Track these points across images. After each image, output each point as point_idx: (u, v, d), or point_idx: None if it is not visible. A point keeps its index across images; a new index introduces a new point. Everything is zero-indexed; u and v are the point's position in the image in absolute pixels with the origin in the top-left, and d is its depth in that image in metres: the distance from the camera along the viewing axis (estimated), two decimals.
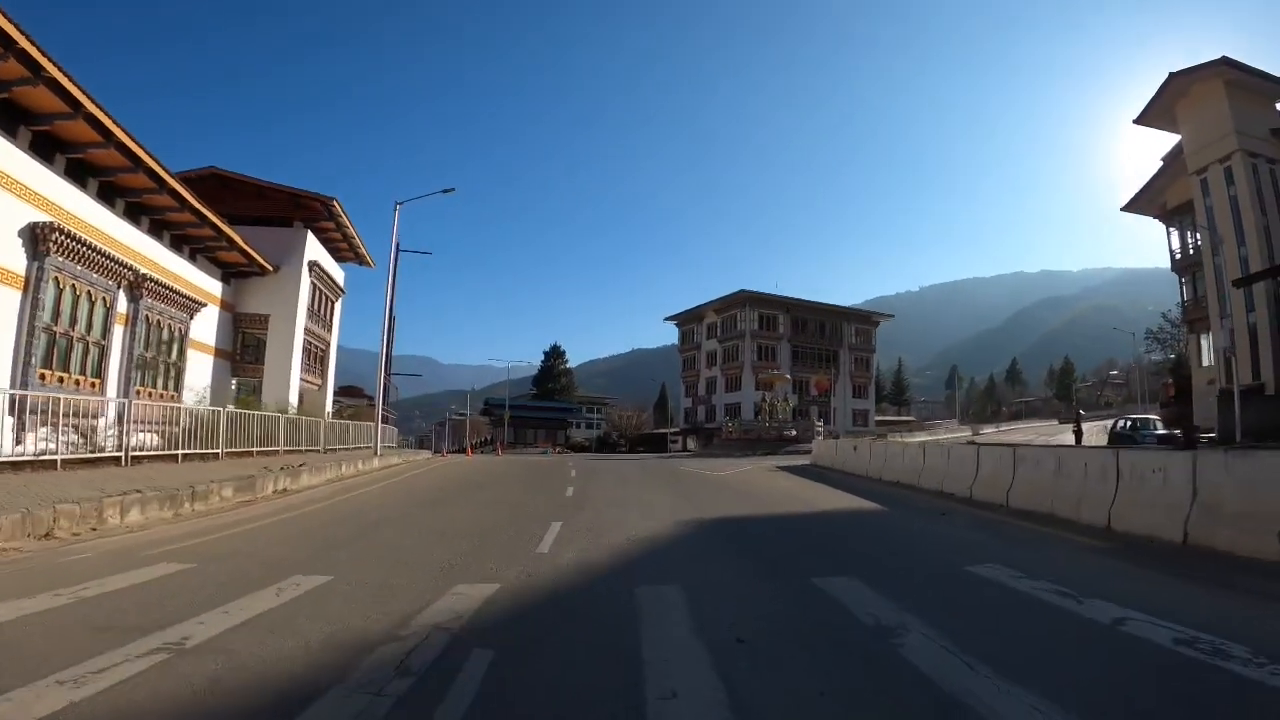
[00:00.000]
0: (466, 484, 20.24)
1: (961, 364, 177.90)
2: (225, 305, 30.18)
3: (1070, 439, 46.28)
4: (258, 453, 21.19)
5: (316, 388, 36.90)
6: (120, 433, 16.21)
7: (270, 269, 30.73)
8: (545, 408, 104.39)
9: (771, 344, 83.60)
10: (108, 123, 18.60)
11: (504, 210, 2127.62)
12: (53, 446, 14.39)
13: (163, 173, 21.55)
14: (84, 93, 17.44)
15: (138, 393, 22.47)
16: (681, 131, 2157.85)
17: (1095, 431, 53.49)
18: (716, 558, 8.82)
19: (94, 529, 9.43)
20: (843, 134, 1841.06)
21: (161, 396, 23.67)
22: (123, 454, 15.67)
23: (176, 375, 25.28)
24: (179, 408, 19.36)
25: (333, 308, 38.34)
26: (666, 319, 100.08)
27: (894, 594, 6.40)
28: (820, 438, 49.81)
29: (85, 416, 16.37)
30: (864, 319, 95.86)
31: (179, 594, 6.10)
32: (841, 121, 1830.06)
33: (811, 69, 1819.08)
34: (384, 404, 50.00)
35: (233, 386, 31.37)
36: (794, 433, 55.56)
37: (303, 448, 24.46)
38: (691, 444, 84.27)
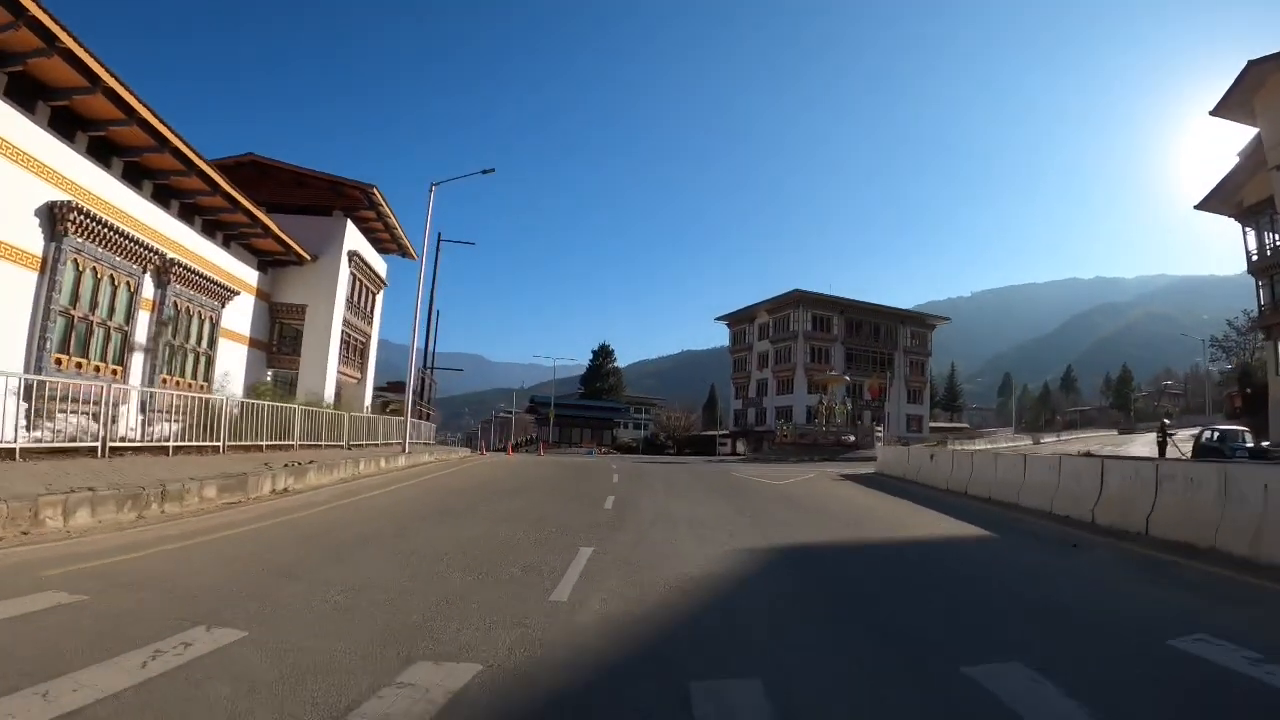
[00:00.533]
0: (492, 489, 18.69)
1: (1013, 371, 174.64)
2: (261, 294, 29.39)
3: (1138, 449, 44.50)
4: (268, 447, 19.73)
5: (355, 381, 36.12)
6: (105, 421, 14.81)
7: (308, 258, 29.85)
8: (592, 407, 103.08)
9: (825, 346, 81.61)
10: (128, 97, 17.51)
11: (557, 212, 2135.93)
12: (37, 435, 13.38)
13: (190, 153, 20.50)
14: (101, 64, 16.36)
15: (164, 381, 21.75)
16: (738, 136, 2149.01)
17: (1148, 443, 51.50)
18: (807, 620, 6.40)
19: (24, 533, 8.04)
20: (895, 138, 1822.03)
21: (190, 386, 22.87)
22: (99, 445, 14.29)
23: (207, 364, 24.43)
24: (191, 397, 18.47)
25: (374, 300, 37.46)
26: (718, 319, 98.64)
27: (1104, 703, 4.25)
28: (882, 444, 48.13)
29: (88, 403, 15.60)
30: (919, 321, 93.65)
31: (13, 652, 4.42)
32: (895, 125, 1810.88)
33: (869, 73, 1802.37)
34: (424, 400, 49.53)
35: (268, 377, 30.63)
36: (852, 438, 52.87)
37: (323, 443, 23.21)
38: (741, 447, 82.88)
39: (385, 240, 37.85)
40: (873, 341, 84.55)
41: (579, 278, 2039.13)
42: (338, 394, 33.09)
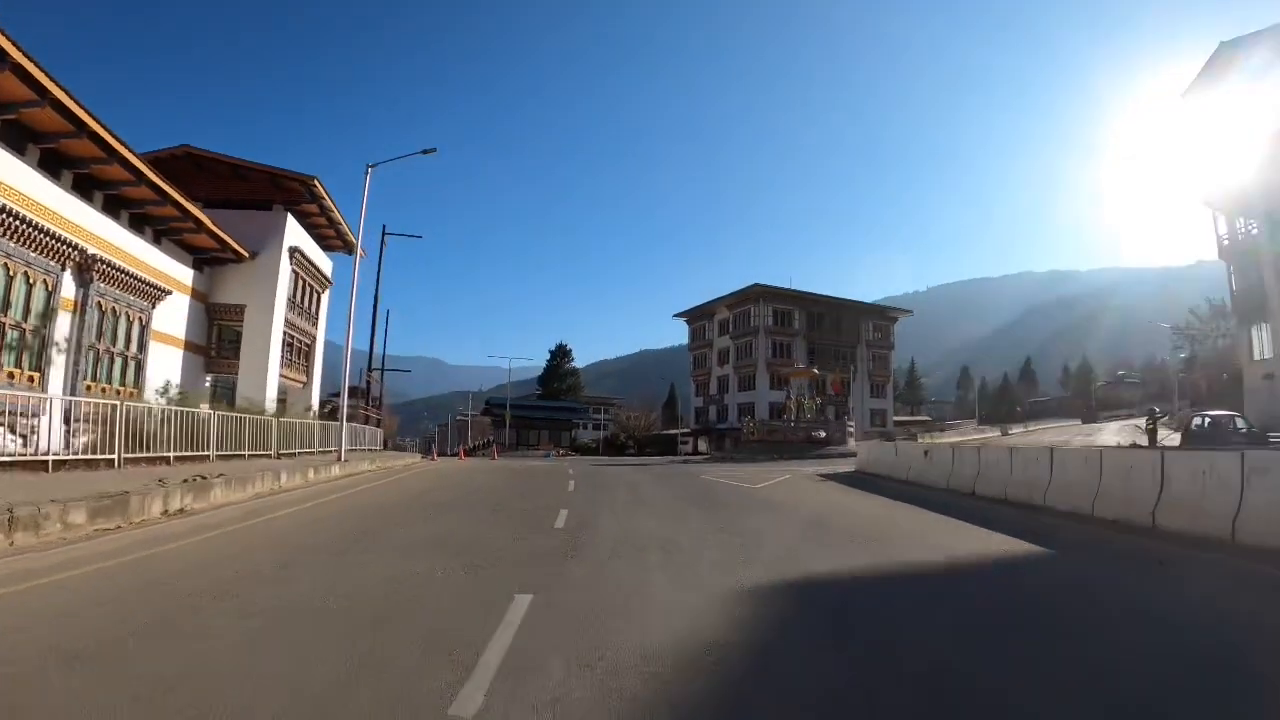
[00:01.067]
0: (426, 502, 16.03)
1: (970, 365, 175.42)
2: (197, 295, 27.80)
3: (1108, 439, 44.09)
4: (177, 459, 16.96)
5: (301, 385, 34.55)
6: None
7: (246, 255, 28.29)
8: (549, 407, 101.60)
9: (787, 340, 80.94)
10: (38, 75, 15.93)
11: (512, 211, 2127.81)
12: None
13: (111, 139, 18.94)
14: (9, 40, 15.02)
15: (88, 388, 20.20)
16: (690, 134, 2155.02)
17: (1127, 431, 51.15)
18: None
19: None
20: (850, 134, 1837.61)
21: (119, 393, 21.33)
22: None
23: (137, 369, 22.90)
24: (93, 403, 16.23)
25: (319, 299, 35.85)
26: (676, 315, 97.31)
27: None
28: (855, 439, 47.02)
29: (22, 415, 14.17)
30: (881, 314, 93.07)
31: None
32: (845, 124, 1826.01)
33: (817, 70, 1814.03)
34: (371, 403, 47.90)
35: (207, 383, 29.10)
36: (823, 434, 50.94)
37: (246, 452, 20.72)
38: (703, 445, 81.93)
39: (330, 237, 36.32)
40: (835, 335, 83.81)
41: (535, 278, 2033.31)
42: (282, 399, 31.57)
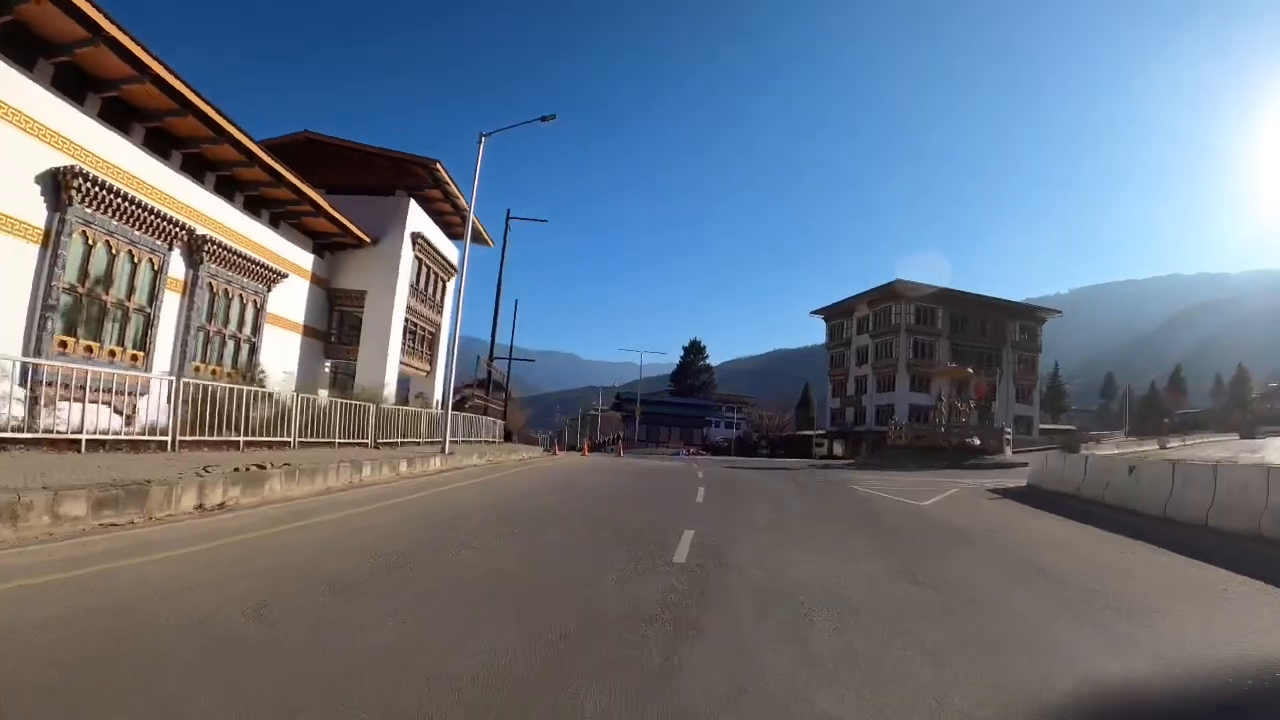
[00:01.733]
0: (513, 511, 12.31)
1: (1114, 371, 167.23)
2: (317, 279, 27.63)
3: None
4: (249, 444, 15.68)
5: (424, 374, 34.25)
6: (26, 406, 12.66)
7: (367, 240, 27.97)
8: (680, 404, 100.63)
9: (929, 340, 76.97)
10: (137, 51, 15.53)
11: (650, 212, 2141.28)
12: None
13: (219, 118, 18.51)
14: (97, 8, 14.61)
15: (196, 369, 19.98)
16: (823, 125, 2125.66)
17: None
18: None
19: None
20: (990, 127, 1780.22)
21: (229, 376, 21.12)
22: None
23: (250, 351, 22.64)
24: (145, 377, 15.84)
25: (444, 287, 35.44)
26: (813, 313, 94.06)
27: None
28: (1012, 448, 43.74)
29: (104, 390, 13.73)
30: (1028, 315, 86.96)
31: None
32: (991, 114, 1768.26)
33: (967, 55, 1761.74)
34: (490, 393, 47.65)
35: (326, 369, 28.96)
36: (977, 441, 45.64)
37: (337, 439, 19.42)
38: (838, 448, 79.47)
39: (455, 224, 35.92)
40: (979, 336, 79.14)
41: (671, 274, 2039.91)
42: (405, 387, 31.33)
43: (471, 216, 25.08)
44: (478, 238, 39.44)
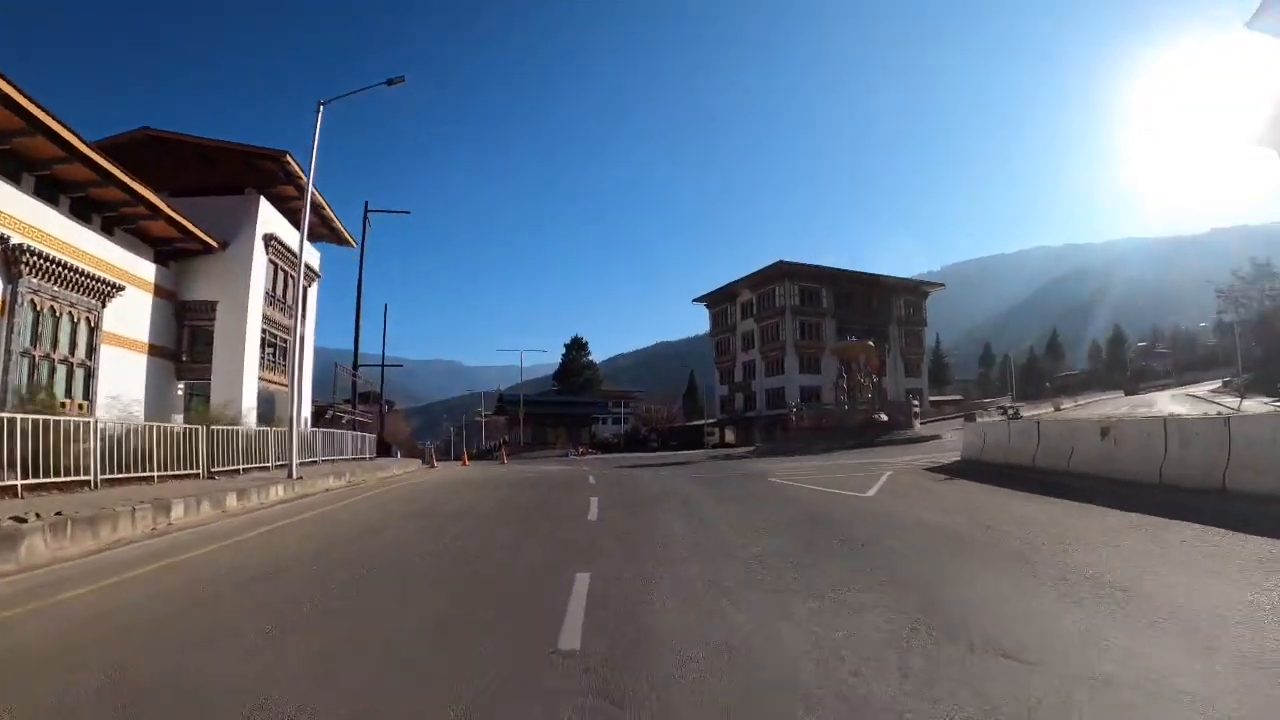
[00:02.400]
0: (350, 562, 8.80)
1: (988, 342, 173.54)
2: (162, 292, 25.18)
3: (1177, 408, 41.06)
4: (28, 489, 12.32)
5: (288, 389, 31.98)
6: None
7: (215, 245, 25.62)
8: (566, 403, 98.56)
9: (815, 320, 78.06)
10: None
11: (520, 211, 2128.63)
12: None
13: (27, 103, 16.31)
14: None
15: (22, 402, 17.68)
16: (692, 115, 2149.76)
17: (1188, 401, 48.24)
18: None
19: None
20: (855, 111, 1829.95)
21: (64, 407, 18.84)
22: None
23: (86, 377, 20.31)
24: None
25: (305, 294, 33.23)
26: (695, 300, 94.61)
27: None
28: (918, 420, 43.20)
29: None
30: (912, 290, 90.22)
31: None
32: (855, 97, 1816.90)
33: (830, 43, 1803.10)
34: (355, 405, 45.15)
35: (179, 391, 26.54)
36: (885, 417, 43.40)
37: (156, 473, 16.01)
38: (730, 435, 79.22)
39: (314, 224, 33.69)
40: (866, 314, 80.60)
41: (547, 275, 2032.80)
42: (269, 405, 29.00)
43: (310, 190, 22.09)
44: (339, 237, 37.34)
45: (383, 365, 48.79)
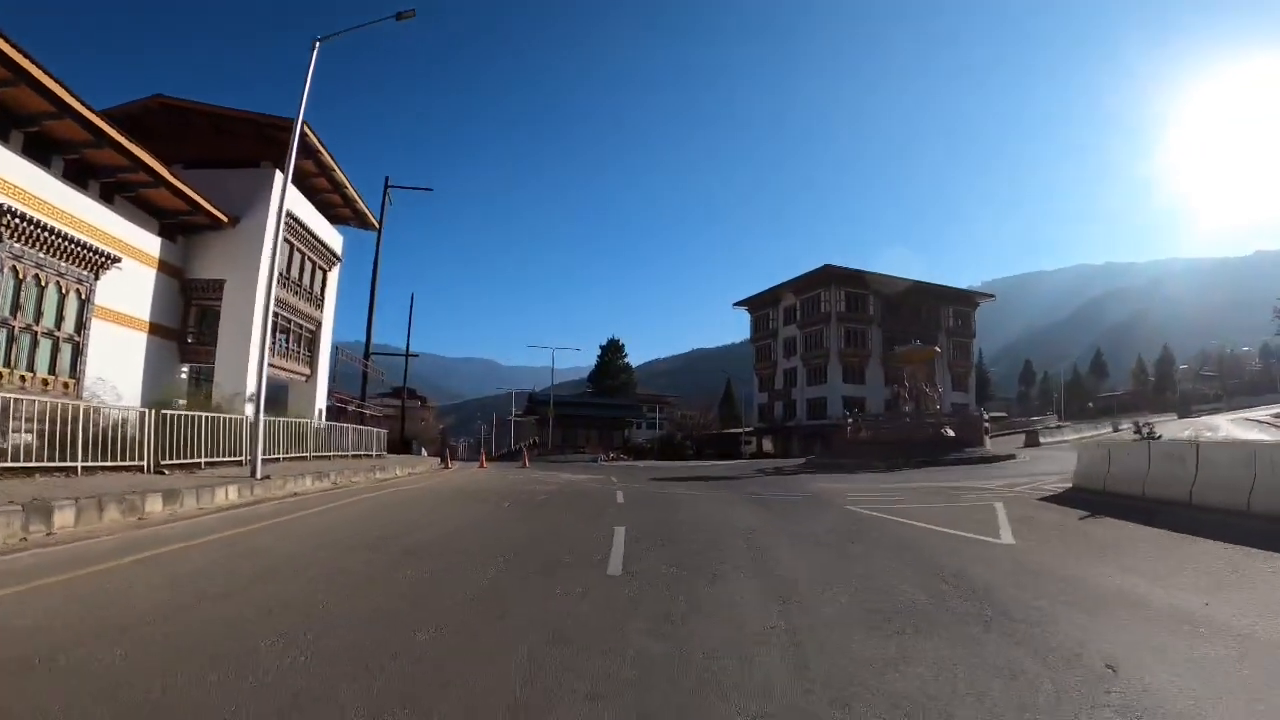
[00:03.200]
0: (249, 615, 5.87)
1: (1028, 359, 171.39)
2: (168, 268, 24.04)
3: (1244, 434, 38.82)
4: None
5: (304, 379, 30.65)
6: None
7: (225, 219, 24.46)
8: (599, 405, 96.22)
9: (861, 328, 75.71)
10: None
11: (559, 217, 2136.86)
12: None
13: (12, 52, 15.15)
14: None
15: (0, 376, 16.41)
16: (736, 124, 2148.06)
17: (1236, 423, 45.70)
18: None
19: None
20: (898, 124, 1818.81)
21: (46, 384, 17.58)
22: None
23: (73, 353, 18.98)
24: None
25: (324, 278, 31.86)
26: (736, 304, 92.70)
27: None
28: (1026, 438, 40.51)
29: None
30: (963, 300, 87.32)
31: None
32: (899, 110, 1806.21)
33: (867, 56, 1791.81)
34: (365, 398, 43.65)
35: (183, 374, 25.30)
36: (952, 433, 38.81)
37: (79, 463, 13.66)
38: (768, 445, 77.43)
39: (336, 204, 32.50)
40: (913, 323, 77.78)
41: (587, 278, 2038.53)
42: (278, 395, 27.72)
43: (298, 127, 20.47)
44: (363, 219, 35.97)
45: (406, 354, 47.39)
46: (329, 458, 26.05)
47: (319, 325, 31.45)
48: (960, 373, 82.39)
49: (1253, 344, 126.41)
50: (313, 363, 31.16)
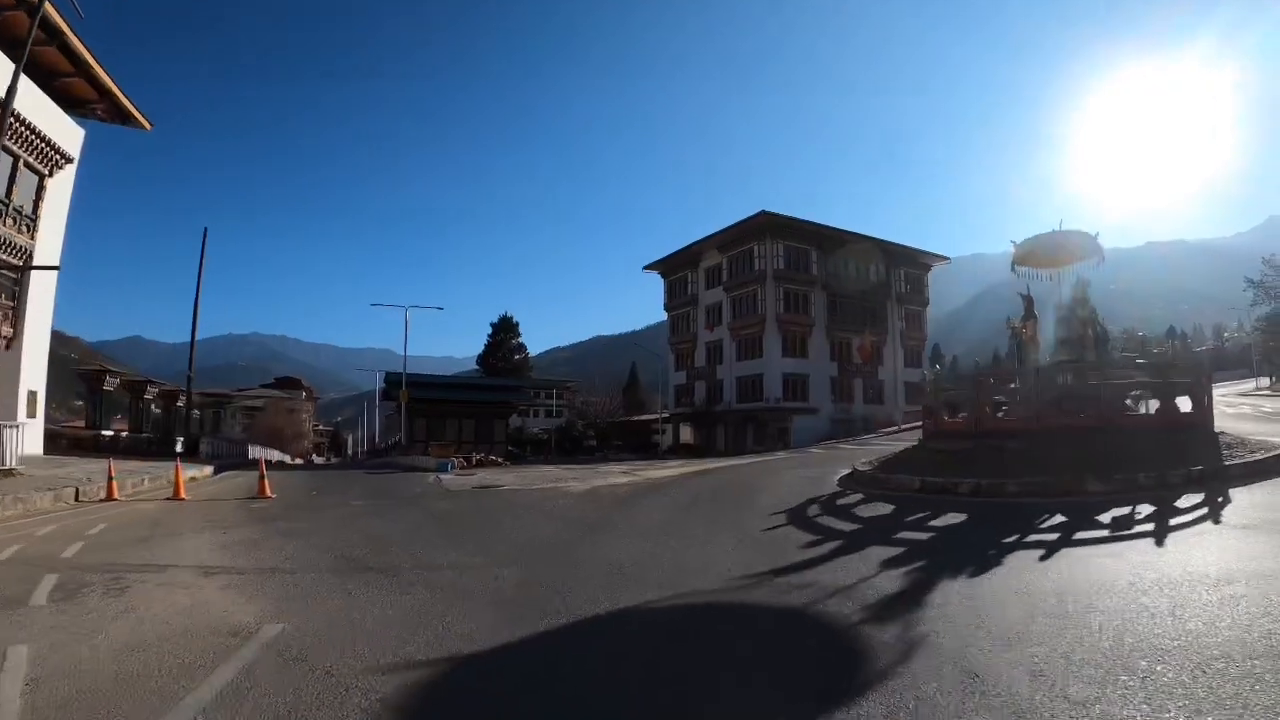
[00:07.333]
0: None
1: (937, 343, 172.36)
2: None
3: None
4: None
5: (2, 344, 21.37)
6: None
7: None
8: (476, 387, 77.04)
9: (802, 290, 67.19)
10: None
11: (459, 203, 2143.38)
12: None
13: None
14: None
15: None
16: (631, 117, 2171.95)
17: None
18: None
19: None
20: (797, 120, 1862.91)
21: None
22: None
23: None
24: None
25: (39, 185, 22.42)
26: (647, 268, 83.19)
27: None
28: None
29: None
30: (913, 261, 78.51)
31: None
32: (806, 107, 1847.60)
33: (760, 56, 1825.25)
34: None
35: None
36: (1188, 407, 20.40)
37: None
38: (687, 435, 70.34)
39: (79, 91, 23.84)
40: (861, 285, 71.00)
41: (477, 267, 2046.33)
42: None
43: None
44: (122, 113, 26.64)
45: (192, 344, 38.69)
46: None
47: (28, 256, 21.97)
48: (913, 345, 75.27)
49: (1147, 330, 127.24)
50: (16, 318, 21.70)
